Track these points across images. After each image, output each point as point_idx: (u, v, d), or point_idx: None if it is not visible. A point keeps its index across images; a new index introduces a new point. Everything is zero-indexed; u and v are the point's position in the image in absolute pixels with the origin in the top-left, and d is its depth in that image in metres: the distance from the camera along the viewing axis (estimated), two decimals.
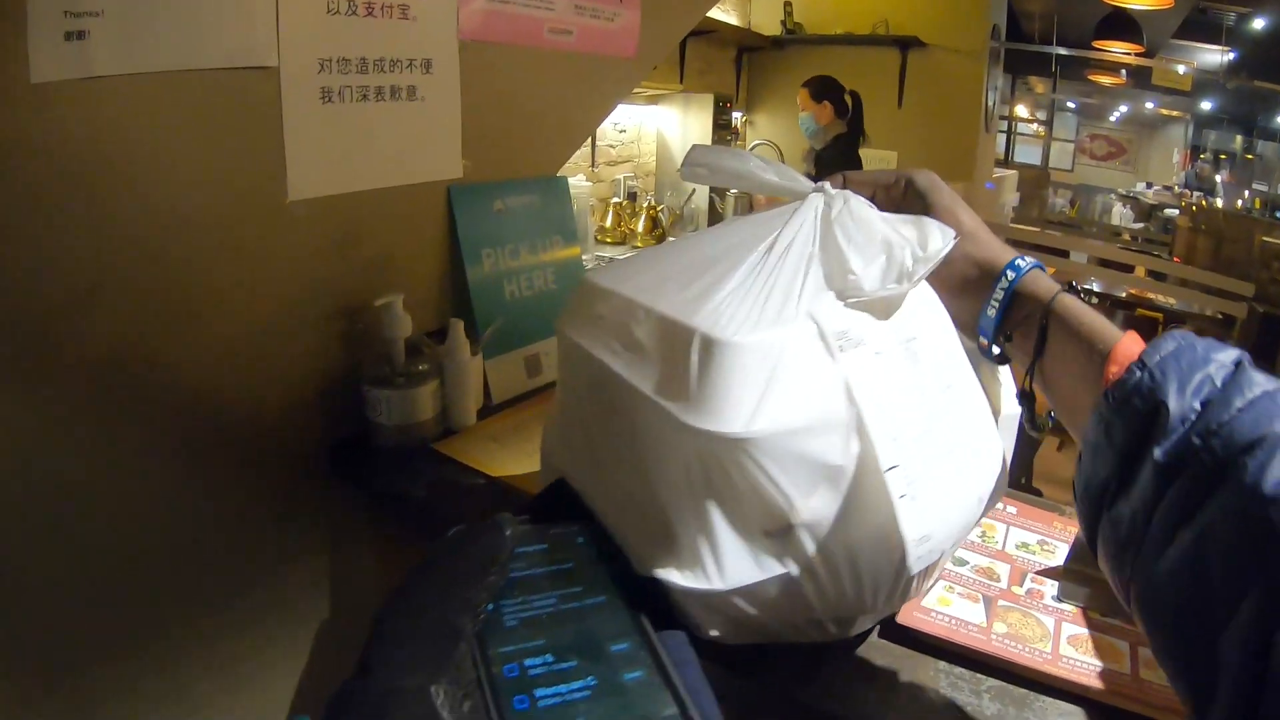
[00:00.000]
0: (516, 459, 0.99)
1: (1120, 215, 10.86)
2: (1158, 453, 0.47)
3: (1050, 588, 0.84)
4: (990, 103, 5.20)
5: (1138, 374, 0.49)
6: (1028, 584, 0.84)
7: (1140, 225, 10.39)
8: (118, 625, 0.87)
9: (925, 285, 0.64)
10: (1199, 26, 8.03)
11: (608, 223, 3.61)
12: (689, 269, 0.62)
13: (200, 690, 0.96)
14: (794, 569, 0.57)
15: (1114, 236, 9.60)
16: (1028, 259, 0.63)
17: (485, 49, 1.07)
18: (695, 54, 4.32)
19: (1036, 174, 10.37)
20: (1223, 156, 12.30)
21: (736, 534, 0.56)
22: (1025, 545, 0.91)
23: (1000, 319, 0.63)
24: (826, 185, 0.67)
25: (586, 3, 1.21)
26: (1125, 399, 0.49)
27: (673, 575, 0.55)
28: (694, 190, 3.81)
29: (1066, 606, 0.81)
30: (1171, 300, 4.51)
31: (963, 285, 0.66)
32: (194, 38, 0.75)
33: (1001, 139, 10.04)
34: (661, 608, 0.43)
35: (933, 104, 4.67)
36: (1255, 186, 11.75)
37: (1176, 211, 9.68)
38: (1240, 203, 11.39)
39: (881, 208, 0.65)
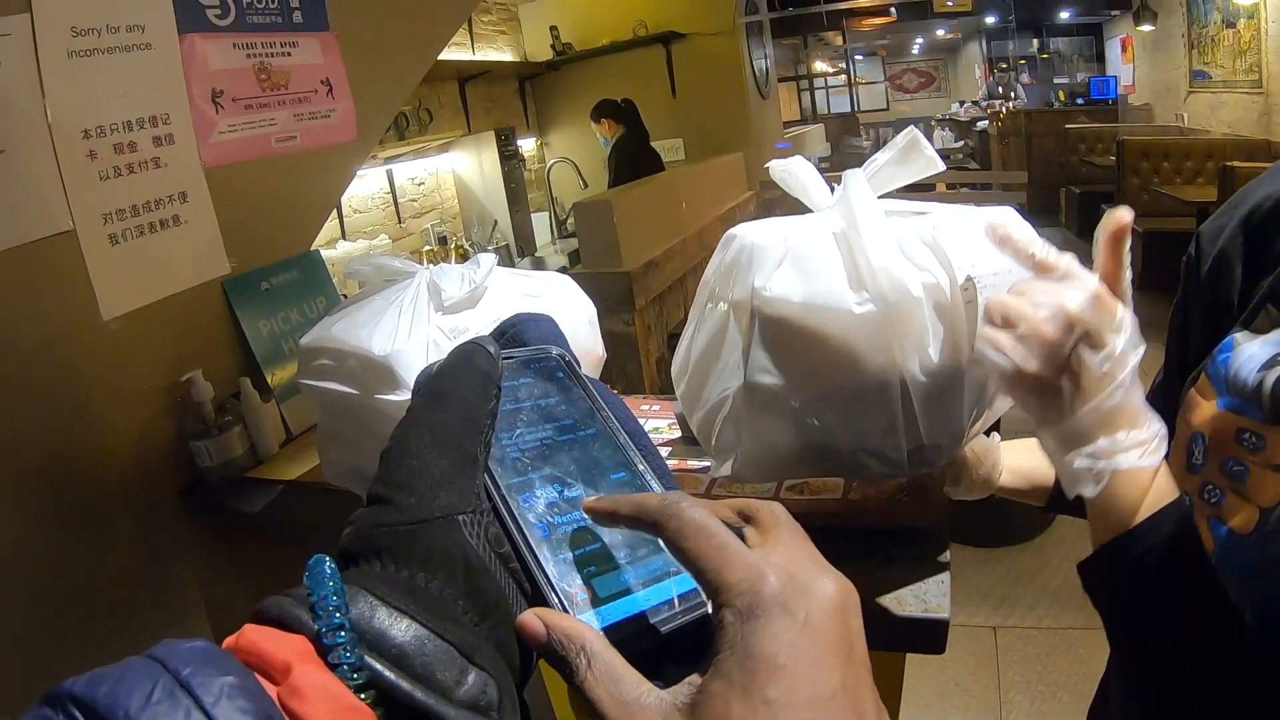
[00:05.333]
0: (303, 465, 1.45)
1: (941, 139, 11.70)
2: None
3: None
4: (762, 70, 5.78)
5: None
6: None
7: (960, 144, 11.22)
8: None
9: (501, 282, 1.08)
10: None
11: None
12: (365, 321, 1.05)
13: None
14: None
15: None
16: None
17: (227, 170, 1.48)
18: (477, 96, 4.77)
19: (844, 120, 11.15)
20: (1021, 61, 13.35)
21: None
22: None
23: None
24: (433, 267, 1.11)
25: (304, 108, 1.60)
26: None
27: None
28: (495, 221, 4.24)
29: None
30: None
31: None
32: (7, 225, 1.14)
33: (808, 96, 10.81)
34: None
35: (702, 87, 5.27)
36: (1056, 81, 12.82)
37: (987, 123, 10.52)
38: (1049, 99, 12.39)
39: None
